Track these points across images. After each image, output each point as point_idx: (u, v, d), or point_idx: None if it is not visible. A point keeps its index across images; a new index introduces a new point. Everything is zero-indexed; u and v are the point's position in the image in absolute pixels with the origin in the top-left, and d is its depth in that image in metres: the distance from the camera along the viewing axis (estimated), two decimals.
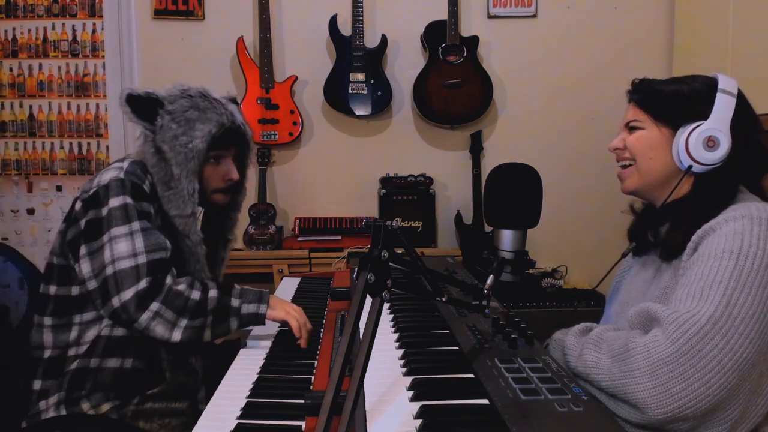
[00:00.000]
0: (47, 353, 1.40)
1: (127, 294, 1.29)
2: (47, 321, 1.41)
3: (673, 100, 1.22)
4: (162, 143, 1.44)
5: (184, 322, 1.33)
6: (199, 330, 1.35)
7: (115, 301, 1.30)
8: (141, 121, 1.46)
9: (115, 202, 1.35)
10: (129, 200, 1.36)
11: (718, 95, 1.17)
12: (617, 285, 1.43)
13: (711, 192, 1.18)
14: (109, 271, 1.31)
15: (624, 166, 1.30)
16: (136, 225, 1.34)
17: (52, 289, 1.42)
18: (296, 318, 1.40)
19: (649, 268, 1.29)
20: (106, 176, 1.40)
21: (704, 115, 1.17)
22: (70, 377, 1.36)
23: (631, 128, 1.27)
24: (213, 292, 1.38)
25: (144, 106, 1.46)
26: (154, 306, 1.30)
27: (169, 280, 1.34)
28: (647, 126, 1.24)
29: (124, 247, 1.32)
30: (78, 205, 1.41)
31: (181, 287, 1.34)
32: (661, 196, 1.27)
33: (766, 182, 1.23)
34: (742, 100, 1.19)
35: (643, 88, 1.28)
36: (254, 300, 1.41)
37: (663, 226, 1.25)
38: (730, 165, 1.17)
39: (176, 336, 1.33)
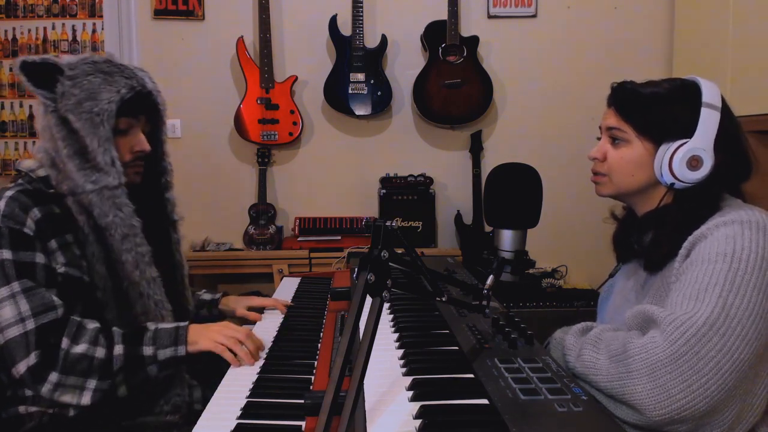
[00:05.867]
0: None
1: (21, 368, 1.20)
2: None
3: (657, 113, 1.19)
4: (66, 112, 1.32)
5: (92, 384, 1.23)
6: (110, 389, 1.25)
7: (14, 373, 1.21)
8: (39, 89, 1.34)
9: None
10: (6, 254, 1.24)
11: (703, 110, 1.14)
12: (606, 293, 1.42)
13: (693, 204, 1.17)
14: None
15: (596, 174, 1.29)
16: (16, 286, 1.23)
17: None
18: (224, 343, 1.30)
19: (635, 276, 1.29)
20: None
21: (688, 131, 1.15)
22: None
23: (614, 140, 1.24)
24: (118, 348, 1.26)
25: (41, 74, 1.34)
26: (53, 377, 1.21)
27: (64, 344, 1.22)
28: (631, 139, 1.21)
29: (9, 312, 1.21)
30: None
31: (81, 348, 1.23)
32: (639, 201, 1.27)
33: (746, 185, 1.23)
34: (724, 109, 1.17)
35: (625, 94, 1.24)
36: (170, 343, 1.30)
37: (646, 235, 1.24)
38: (713, 177, 1.16)
39: (86, 399, 1.23)
